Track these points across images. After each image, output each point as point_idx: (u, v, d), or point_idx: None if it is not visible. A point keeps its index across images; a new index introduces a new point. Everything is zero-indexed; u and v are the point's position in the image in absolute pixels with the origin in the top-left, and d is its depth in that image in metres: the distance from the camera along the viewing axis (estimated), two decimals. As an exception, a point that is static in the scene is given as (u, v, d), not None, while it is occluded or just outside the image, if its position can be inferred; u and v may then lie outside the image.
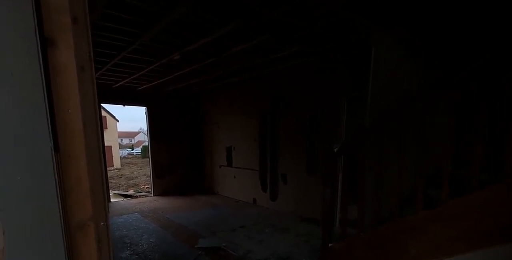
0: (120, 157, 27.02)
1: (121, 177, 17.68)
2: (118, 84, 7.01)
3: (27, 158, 0.69)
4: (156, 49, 4.43)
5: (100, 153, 0.85)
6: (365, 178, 2.49)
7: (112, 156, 24.28)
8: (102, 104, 22.77)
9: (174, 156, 8.73)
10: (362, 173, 2.48)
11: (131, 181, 15.94)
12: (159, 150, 8.47)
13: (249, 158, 7.27)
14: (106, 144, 23.59)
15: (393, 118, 2.24)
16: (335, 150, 2.44)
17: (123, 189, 13.46)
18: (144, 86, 7.34)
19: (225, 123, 8.01)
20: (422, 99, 2.09)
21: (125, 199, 8.91)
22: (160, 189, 8.54)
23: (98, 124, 0.82)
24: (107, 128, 24.28)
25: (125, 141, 48.44)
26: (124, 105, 8.37)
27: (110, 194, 10.92)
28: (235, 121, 7.61)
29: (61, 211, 0.72)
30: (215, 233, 5.17)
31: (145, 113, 8.37)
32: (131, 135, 52.41)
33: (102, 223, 0.85)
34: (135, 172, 19.34)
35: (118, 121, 27.27)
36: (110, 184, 15.04)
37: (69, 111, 0.74)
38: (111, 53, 4.61)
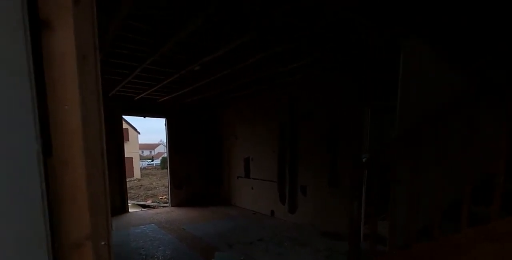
0: (140, 168, 27.45)
1: (140, 188, 17.85)
2: (139, 96, 7.12)
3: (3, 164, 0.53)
4: (175, 60, 4.46)
5: (103, 159, 0.71)
6: (397, 190, 2.28)
7: (133, 167, 24.69)
8: (123, 116, 23.42)
9: (192, 167, 8.69)
10: (393, 185, 2.27)
11: (150, 191, 16.04)
12: (177, 161, 8.47)
13: (267, 169, 7.10)
14: (127, 155, 23.87)
15: (430, 125, 2.04)
16: (364, 160, 2.24)
17: (141, 199, 13.54)
18: (164, 98, 7.43)
19: (243, 134, 7.92)
20: (467, 105, 1.89)
21: (142, 209, 8.89)
22: (178, 200, 8.46)
23: (101, 124, 0.69)
24: (128, 140, 24.83)
25: (146, 152, 49.31)
26: (144, 117, 8.49)
27: (129, 204, 10.98)
28: (253, 132, 7.50)
29: (48, 229, 0.57)
30: (232, 245, 4.99)
31: (165, 125, 8.43)
32: (151, 147, 53.39)
33: (103, 243, 0.72)
34: (154, 183, 19.48)
35: (139, 133, 27.83)
36: (129, 195, 15.17)
37: (66, 107, 0.61)
38: (132, 65, 4.66)
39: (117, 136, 7.45)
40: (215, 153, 9.01)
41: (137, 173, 24.71)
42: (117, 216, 7.16)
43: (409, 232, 2.21)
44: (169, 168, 8.43)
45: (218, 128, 8.93)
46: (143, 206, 10.73)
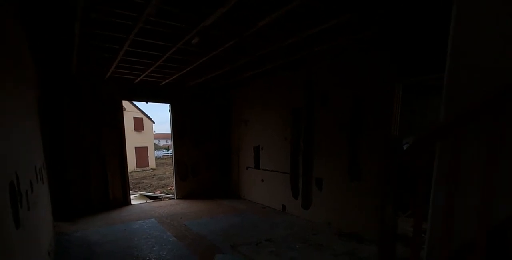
0: (156, 157, 27.45)
1: (153, 177, 17.69)
2: (139, 79, 6.52)
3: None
4: (169, 29, 3.74)
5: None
6: (436, 192, 1.54)
7: (148, 157, 24.66)
8: (137, 105, 23.06)
9: (199, 156, 8.11)
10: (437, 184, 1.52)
11: (162, 181, 15.79)
12: (183, 150, 7.90)
13: (279, 159, 6.39)
14: (142, 145, 24.04)
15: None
16: (406, 146, 1.50)
17: (152, 189, 13.25)
18: (166, 81, 6.79)
19: (253, 120, 7.21)
20: None
21: (147, 201, 8.45)
22: (183, 192, 7.94)
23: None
24: (143, 130, 24.76)
25: (162, 142, 49.66)
26: (146, 102, 7.92)
27: (136, 195, 10.65)
28: (264, 117, 6.77)
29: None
30: (235, 247, 4.37)
31: (169, 111, 7.82)
32: (168, 136, 53.66)
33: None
34: (167, 173, 19.28)
35: (154, 122, 27.67)
36: (141, 184, 15.00)
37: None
38: (119, 37, 4.02)
39: (116, 124, 6.89)
40: (224, 141, 8.37)
41: (152, 163, 24.69)
42: (117, 209, 6.70)
43: (439, 250, 1.46)
44: (174, 158, 7.87)
45: (226, 114, 8.25)
46: (150, 198, 10.34)
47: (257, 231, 5.10)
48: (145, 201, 8.65)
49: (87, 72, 6.07)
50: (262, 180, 6.98)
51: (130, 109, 23.02)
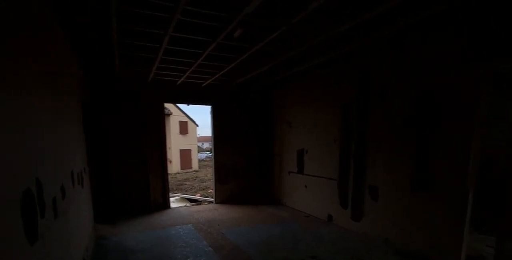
0: (199, 159, 27.92)
1: (195, 179, 17.81)
2: (181, 80, 6.41)
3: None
4: (209, 19, 3.38)
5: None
6: None
7: (191, 159, 25.12)
8: (182, 109, 23.69)
9: (239, 160, 7.77)
10: None
11: (204, 183, 15.78)
12: (222, 153, 7.63)
13: (325, 164, 5.75)
14: (186, 147, 24.58)
15: None
16: None
17: (193, 192, 13.23)
18: (207, 82, 6.57)
19: (297, 121, 6.67)
20: None
21: (186, 205, 8.29)
22: (222, 196, 7.63)
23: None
24: (187, 133, 25.31)
25: (206, 144, 50.83)
26: (188, 104, 7.84)
27: (176, 197, 10.61)
28: (309, 118, 6.20)
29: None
30: (276, 262, 3.84)
31: (210, 113, 7.59)
32: (210, 139, 54.70)
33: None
34: (208, 175, 19.34)
35: (197, 126, 28.26)
36: (184, 186, 15.10)
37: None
38: (158, 33, 3.77)
39: (158, 127, 6.83)
40: (264, 144, 7.91)
41: (195, 165, 25.11)
42: (157, 213, 6.58)
43: None
44: (214, 161, 7.61)
45: (269, 115, 7.80)
46: (190, 200, 10.22)
47: (300, 244, 4.54)
48: (184, 204, 8.51)
49: (130, 75, 6.08)
50: (306, 186, 6.38)
51: (176, 113, 23.68)
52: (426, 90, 3.78)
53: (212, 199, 8.08)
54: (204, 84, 6.83)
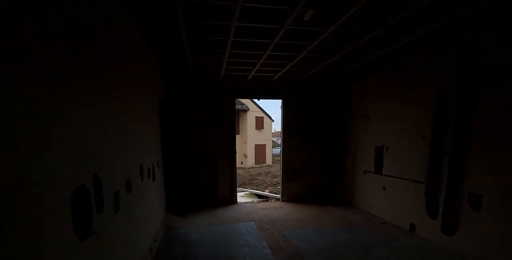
0: (273, 154, 28.03)
1: (267, 174, 17.83)
2: (251, 75, 6.28)
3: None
4: (275, 2, 3.05)
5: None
6: None
7: (265, 154, 25.34)
8: (259, 104, 24.02)
9: (309, 156, 7.28)
10: None
11: (275, 179, 15.65)
12: (292, 149, 7.24)
13: (410, 163, 4.86)
14: (261, 142, 24.89)
15: None
16: None
17: (263, 187, 13.19)
18: (278, 74, 6.28)
19: (377, 115, 5.84)
20: None
21: (253, 201, 8.20)
22: (289, 195, 7.27)
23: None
24: (263, 128, 25.58)
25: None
26: (258, 99, 7.70)
27: (246, 192, 10.63)
28: (392, 110, 5.34)
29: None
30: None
31: (280, 107, 7.27)
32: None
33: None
34: (280, 170, 19.14)
35: (273, 121, 28.36)
36: (255, 181, 15.21)
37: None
38: (223, 25, 3.59)
39: (228, 122, 6.87)
40: (336, 140, 7.22)
41: (269, 160, 25.29)
42: (223, 207, 6.62)
43: None
44: (282, 157, 7.29)
45: (342, 108, 7.08)
46: (259, 196, 10.12)
47: (372, 256, 3.90)
48: (252, 200, 8.44)
49: (203, 73, 6.21)
50: (384, 188, 5.53)
51: (253, 109, 24.10)
52: None
53: (279, 196, 7.77)
54: (275, 77, 6.56)
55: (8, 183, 1.15)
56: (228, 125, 6.83)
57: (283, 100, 7.16)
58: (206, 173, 6.75)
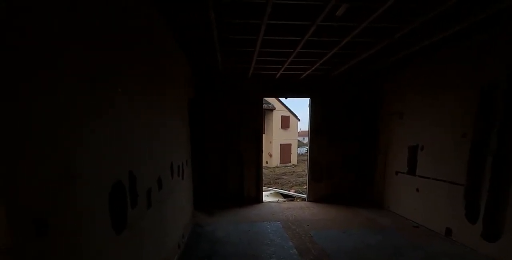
0: (299, 154, 27.74)
1: (292, 174, 17.67)
2: (279, 73, 6.22)
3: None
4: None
5: None
6: None
7: (291, 153, 25.10)
8: (285, 103, 23.89)
9: (336, 156, 7.10)
10: None
11: (300, 178, 15.45)
12: (319, 148, 7.10)
13: (447, 164, 4.58)
14: (286, 142, 24.68)
15: None
16: None
17: (288, 186, 13.07)
18: (307, 73, 6.18)
19: (411, 112, 5.57)
20: None
21: (279, 200, 8.15)
22: (316, 195, 7.13)
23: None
24: (289, 127, 25.37)
25: (307, 139, 50.30)
26: (286, 98, 7.66)
27: (271, 192, 10.58)
28: (428, 107, 5.06)
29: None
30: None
31: (308, 106, 7.14)
32: (312, 135, 53.74)
33: None
34: (306, 170, 18.89)
35: (299, 120, 28.07)
36: (280, 180, 15.08)
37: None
38: (254, 23, 3.56)
39: (255, 121, 6.87)
40: (368, 139, 6.97)
41: (294, 159, 25.00)
42: (249, 206, 6.63)
43: None
44: (309, 156, 7.17)
45: (373, 106, 6.81)
46: (284, 196, 10.03)
47: (405, 260, 3.67)
48: (277, 200, 8.40)
49: (231, 72, 6.24)
50: (418, 190, 5.26)
51: (279, 108, 23.95)
52: None
53: (305, 196, 7.64)
54: (303, 76, 6.46)
55: (54, 178, 1.20)
56: (255, 124, 6.83)
57: (311, 98, 7.02)
58: (233, 172, 6.80)
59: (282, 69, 5.81)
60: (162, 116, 3.07)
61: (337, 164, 7.10)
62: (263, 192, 7.77)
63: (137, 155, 2.21)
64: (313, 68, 5.68)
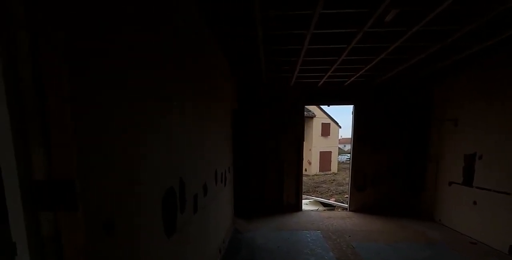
0: (339, 162, 26.93)
1: (332, 182, 17.18)
2: (322, 81, 6.12)
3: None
4: (354, 6, 2.89)
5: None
6: None
7: (331, 161, 24.44)
8: (325, 111, 23.43)
9: (382, 164, 6.74)
10: None
11: (340, 187, 14.96)
12: (363, 156, 6.79)
13: (510, 174, 4.13)
14: (326, 149, 24.09)
15: None
16: None
17: (328, 195, 12.71)
18: (351, 79, 5.98)
19: (467, 119, 5.15)
20: None
21: (318, 209, 7.93)
22: (358, 204, 6.83)
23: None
24: (329, 135, 24.78)
25: (348, 146, 48.67)
26: (328, 105, 7.50)
27: (310, 200, 10.36)
28: (487, 113, 4.64)
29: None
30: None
31: (352, 113, 6.92)
32: (353, 142, 51.88)
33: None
34: (347, 178, 18.19)
35: (340, 127, 27.30)
36: (320, 189, 14.70)
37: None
38: (299, 34, 3.55)
39: (297, 130, 6.85)
40: (417, 146, 6.54)
41: (334, 167, 24.28)
42: (288, 214, 6.57)
43: None
44: (352, 164, 6.90)
45: (422, 113, 6.39)
46: (324, 204, 9.74)
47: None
48: (317, 208, 8.21)
49: (273, 81, 6.29)
50: (475, 203, 4.80)
51: (319, 115, 23.55)
52: None
53: (346, 205, 7.35)
54: (347, 83, 6.27)
55: (123, 185, 1.34)
56: (296, 132, 6.81)
57: (354, 105, 6.79)
58: (273, 179, 6.81)
59: (326, 77, 5.69)
60: (209, 125, 3.22)
61: (382, 173, 6.74)
62: (302, 200, 7.63)
63: (186, 162, 2.33)
64: (357, 74, 5.48)
